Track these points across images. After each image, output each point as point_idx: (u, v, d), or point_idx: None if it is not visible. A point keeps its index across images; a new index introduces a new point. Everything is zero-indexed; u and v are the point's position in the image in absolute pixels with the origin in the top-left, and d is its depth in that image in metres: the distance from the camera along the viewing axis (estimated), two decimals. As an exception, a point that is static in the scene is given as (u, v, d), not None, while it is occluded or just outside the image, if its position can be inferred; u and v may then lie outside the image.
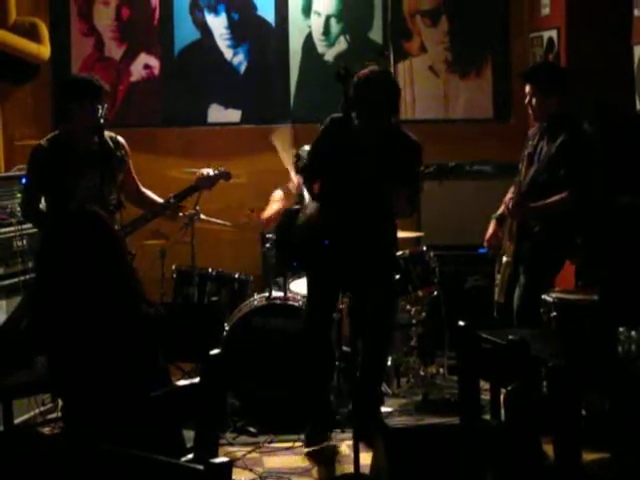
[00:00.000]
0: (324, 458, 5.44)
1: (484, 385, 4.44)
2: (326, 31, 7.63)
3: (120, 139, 5.74)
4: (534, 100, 5.88)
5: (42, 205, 5.65)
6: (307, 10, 7.60)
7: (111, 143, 5.66)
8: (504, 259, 5.91)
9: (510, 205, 5.83)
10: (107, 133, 5.64)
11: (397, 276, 6.37)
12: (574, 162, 5.73)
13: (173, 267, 6.58)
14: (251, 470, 5.23)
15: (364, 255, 5.24)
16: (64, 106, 5.64)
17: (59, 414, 5.60)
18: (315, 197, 5.68)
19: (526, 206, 5.77)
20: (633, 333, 4.20)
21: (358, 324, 5.49)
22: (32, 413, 5.65)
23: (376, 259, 5.50)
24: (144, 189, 5.89)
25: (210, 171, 5.95)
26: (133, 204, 5.82)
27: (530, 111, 5.98)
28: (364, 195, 5.21)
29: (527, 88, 5.94)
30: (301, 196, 6.44)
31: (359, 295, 5.42)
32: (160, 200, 5.86)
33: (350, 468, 5.13)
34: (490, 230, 6.13)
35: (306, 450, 5.52)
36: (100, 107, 5.37)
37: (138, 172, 5.91)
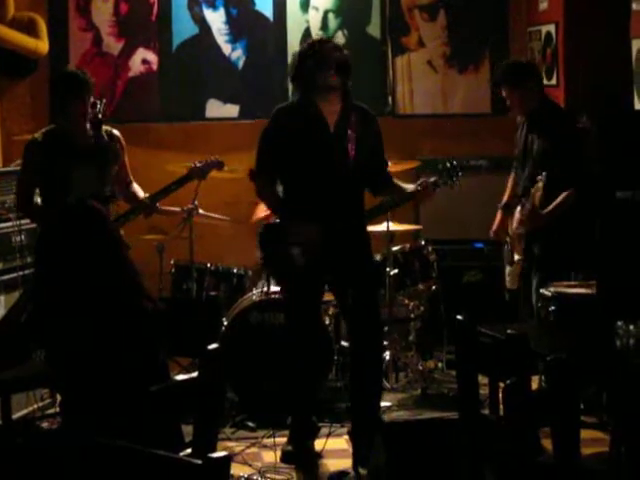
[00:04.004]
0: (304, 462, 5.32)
1: (483, 380, 4.44)
2: (324, 26, 7.62)
3: (115, 132, 5.73)
4: (513, 99, 5.98)
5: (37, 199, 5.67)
6: (305, 5, 7.60)
7: (106, 136, 5.67)
8: (515, 257, 5.96)
9: (524, 217, 5.89)
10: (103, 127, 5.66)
11: (395, 270, 6.40)
12: (570, 159, 5.78)
13: (171, 262, 6.59)
14: (250, 465, 5.23)
15: (347, 248, 5.19)
16: (57, 100, 5.67)
17: (57, 409, 5.61)
18: (264, 197, 5.45)
19: (539, 215, 5.81)
20: (631, 327, 4.20)
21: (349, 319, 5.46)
22: (30, 408, 5.66)
23: (358, 252, 5.30)
24: (135, 185, 5.87)
25: (203, 162, 5.98)
26: (122, 198, 5.81)
27: (515, 111, 6.10)
28: (341, 179, 5.14)
29: (503, 92, 6.04)
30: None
31: (341, 289, 5.36)
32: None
33: (348, 462, 5.15)
34: (497, 220, 6.22)
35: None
36: (83, 101, 5.42)
37: (136, 167, 5.92)
